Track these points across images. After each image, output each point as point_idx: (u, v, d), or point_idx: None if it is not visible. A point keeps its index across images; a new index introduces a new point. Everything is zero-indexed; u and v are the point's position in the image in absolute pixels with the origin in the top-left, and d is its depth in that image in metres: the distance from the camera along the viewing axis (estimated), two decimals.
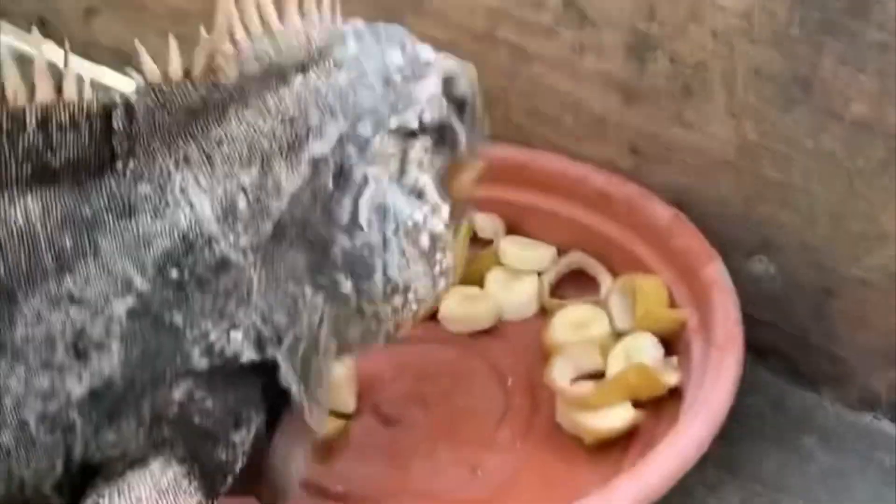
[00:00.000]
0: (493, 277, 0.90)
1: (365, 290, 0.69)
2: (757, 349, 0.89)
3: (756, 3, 0.80)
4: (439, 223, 0.71)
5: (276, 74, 0.67)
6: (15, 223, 0.62)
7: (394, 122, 0.70)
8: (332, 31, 0.69)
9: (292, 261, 0.67)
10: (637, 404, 0.79)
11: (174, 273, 0.64)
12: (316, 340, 0.68)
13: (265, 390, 0.66)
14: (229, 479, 0.66)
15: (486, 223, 0.93)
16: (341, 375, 0.82)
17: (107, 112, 0.64)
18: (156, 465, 0.64)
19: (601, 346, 0.82)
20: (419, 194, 0.70)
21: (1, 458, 0.62)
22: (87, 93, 0.64)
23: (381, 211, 0.69)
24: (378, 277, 0.69)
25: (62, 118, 0.63)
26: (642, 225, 0.87)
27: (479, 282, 0.90)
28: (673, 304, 0.83)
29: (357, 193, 0.68)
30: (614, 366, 0.81)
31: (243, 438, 0.66)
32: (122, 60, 1.18)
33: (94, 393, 0.62)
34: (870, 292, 0.83)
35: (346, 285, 0.68)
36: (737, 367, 0.76)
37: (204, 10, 1.07)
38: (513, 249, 0.91)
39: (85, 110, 0.63)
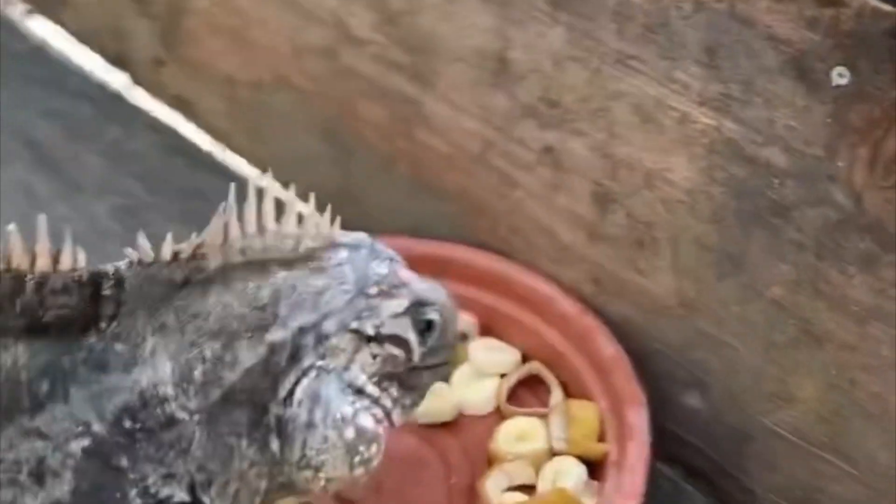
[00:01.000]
0: (460, 374, 1.02)
1: (285, 456, 0.80)
2: (686, 467, 1.02)
3: (698, 186, 0.90)
4: (368, 419, 0.80)
5: (259, 267, 0.79)
6: (4, 365, 0.75)
7: (353, 325, 0.80)
8: (326, 238, 0.81)
9: (235, 418, 0.78)
10: None
11: (127, 423, 0.76)
12: (246, 481, 0.79)
13: None
14: None
15: (463, 321, 1.05)
16: None
17: (97, 280, 0.77)
18: None
19: (535, 461, 0.94)
20: (357, 391, 0.80)
21: None
22: (82, 261, 0.77)
23: (314, 398, 0.79)
24: (296, 450, 0.79)
25: (56, 284, 0.76)
26: (591, 354, 0.98)
27: (446, 377, 1.02)
28: (603, 434, 0.95)
29: (300, 375, 0.79)
30: (542, 484, 0.93)
31: None
32: (184, 107, 1.33)
33: None
34: (779, 442, 0.94)
35: (275, 444, 0.79)
36: None
37: (251, 80, 1.21)
38: (481, 351, 1.03)
39: (76, 278, 0.77)
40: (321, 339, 0.79)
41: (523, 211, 1.03)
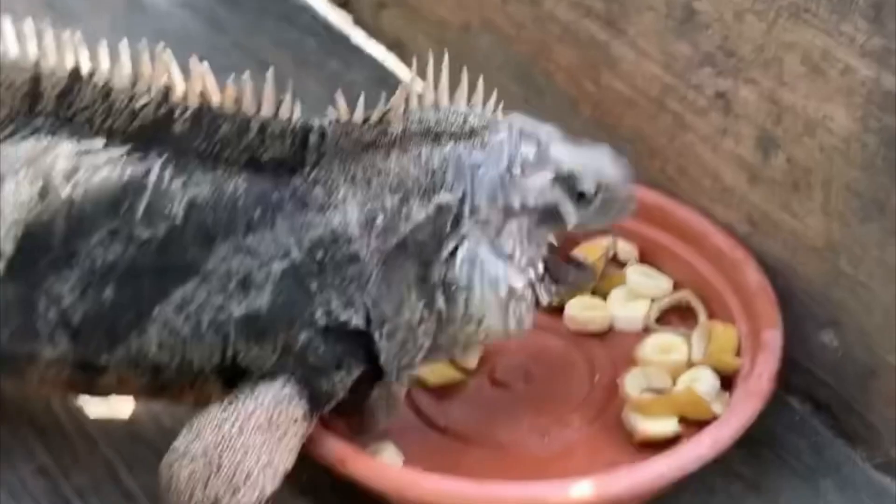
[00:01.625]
0: (616, 294, 1.13)
1: (451, 315, 0.92)
2: (815, 402, 1.10)
3: (853, 134, 0.98)
4: (518, 281, 0.92)
5: (432, 137, 0.92)
6: (229, 191, 0.91)
7: (500, 201, 0.92)
8: (490, 119, 0.93)
9: (406, 268, 0.91)
10: (685, 422, 1.01)
11: (319, 254, 0.91)
12: (413, 334, 0.92)
13: (370, 355, 0.92)
14: (331, 404, 0.92)
15: (625, 249, 1.16)
16: None
17: (306, 131, 0.91)
18: (279, 382, 0.90)
19: (674, 370, 1.05)
20: (508, 257, 0.92)
21: (179, 342, 0.90)
22: (297, 113, 0.92)
23: (472, 261, 0.92)
24: (460, 307, 0.92)
25: (275, 129, 0.91)
26: (738, 283, 1.08)
27: (604, 295, 1.13)
28: (739, 351, 1.05)
29: (459, 241, 0.92)
30: (678, 388, 1.03)
31: (343, 378, 0.91)
32: (398, 48, 1.48)
33: (247, 317, 0.90)
34: None
35: (440, 301, 0.92)
36: (752, 411, 0.98)
37: (461, 23, 1.34)
38: (637, 276, 1.14)
39: (291, 127, 0.91)
40: (474, 209, 0.92)
41: (692, 153, 1.13)
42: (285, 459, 0.90)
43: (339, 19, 1.56)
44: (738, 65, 1.06)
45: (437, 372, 1.06)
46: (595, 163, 0.96)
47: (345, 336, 0.91)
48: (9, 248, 0.91)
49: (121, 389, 0.95)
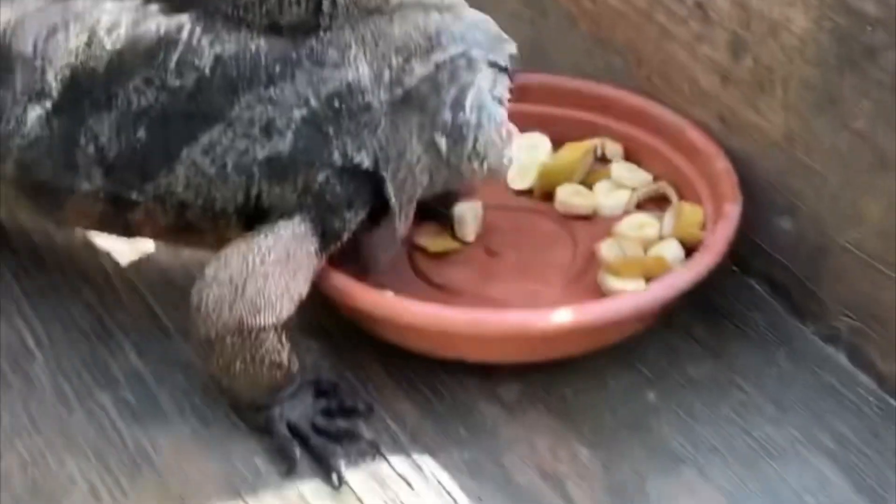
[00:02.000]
0: (601, 185, 1.27)
1: (455, 151, 1.07)
2: (772, 282, 1.23)
3: (809, 33, 1.11)
4: (511, 125, 1.09)
5: (423, 8, 1.07)
6: (251, 49, 1.04)
7: (492, 57, 1.08)
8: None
9: (410, 118, 1.06)
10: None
11: (336, 103, 1.04)
12: (412, 173, 1.06)
13: (375, 195, 1.06)
14: (338, 244, 1.06)
15: (612, 148, 1.29)
16: (472, 220, 1.22)
17: (318, 1, 1.05)
18: (296, 219, 1.03)
19: (646, 243, 1.19)
20: (501, 102, 1.08)
21: (205, 182, 1.04)
22: None
23: (480, 107, 1.07)
24: (468, 145, 1.07)
25: None
26: (707, 170, 1.21)
27: (590, 186, 1.27)
28: (704, 227, 1.18)
29: (463, 87, 1.07)
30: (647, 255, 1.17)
31: (352, 218, 1.05)
32: None
33: (270, 158, 1.04)
34: (848, 258, 1.14)
35: (441, 143, 1.06)
36: (709, 262, 1.13)
37: None
38: (621, 170, 1.27)
39: None
40: (471, 63, 1.07)
41: (674, 60, 1.26)
42: (300, 289, 1.03)
43: None
44: None
45: (437, 242, 1.20)
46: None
47: (356, 176, 1.05)
48: (57, 89, 1.05)
49: (148, 228, 1.08)
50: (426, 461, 1.05)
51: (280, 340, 1.03)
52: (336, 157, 1.04)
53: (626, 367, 1.15)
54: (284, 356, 1.03)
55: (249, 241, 1.03)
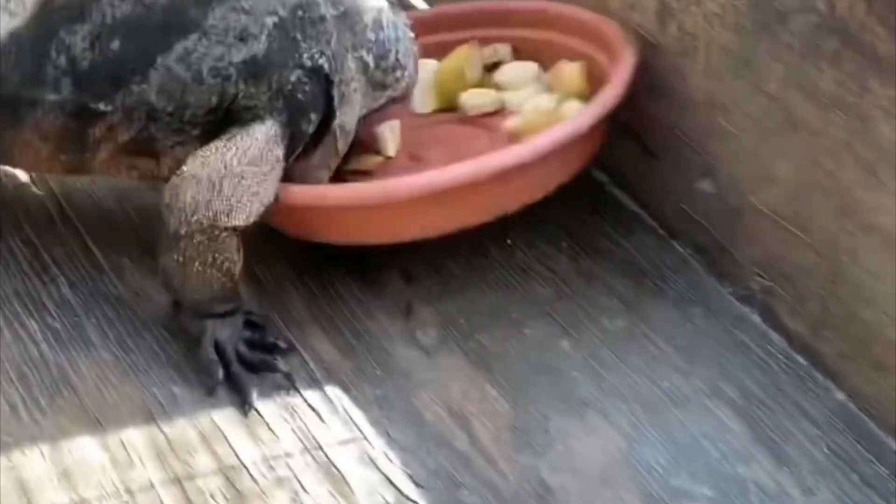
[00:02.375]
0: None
1: (381, 65, 1.16)
2: (695, 244, 1.27)
3: (728, 1, 1.15)
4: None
5: None
6: None
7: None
8: None
9: (345, 35, 1.14)
10: None
11: (299, 12, 1.12)
12: (349, 87, 1.15)
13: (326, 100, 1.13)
14: (297, 150, 1.12)
15: (501, 49, 1.36)
16: (392, 136, 1.27)
17: None
18: (269, 122, 1.10)
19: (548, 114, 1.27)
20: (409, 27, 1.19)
21: (179, 87, 1.10)
22: None
23: (396, 25, 1.17)
24: (391, 58, 1.17)
25: None
26: (599, 41, 1.30)
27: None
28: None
29: (378, 14, 1.17)
30: None
31: (313, 122, 1.13)
32: None
33: (246, 60, 1.10)
34: (761, 219, 1.18)
35: (369, 59, 1.16)
36: (612, 97, 1.20)
37: None
38: (511, 69, 1.35)
39: None
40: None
41: None
42: (268, 193, 1.09)
43: None
44: None
45: (363, 160, 1.26)
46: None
47: (319, 80, 1.13)
48: (29, 4, 1.10)
49: (108, 145, 1.12)
50: (339, 396, 1.10)
51: (238, 249, 1.08)
52: (305, 58, 1.12)
53: (543, 319, 1.19)
54: (237, 267, 1.09)
55: (227, 142, 1.09)
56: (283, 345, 1.12)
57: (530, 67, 1.34)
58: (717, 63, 1.19)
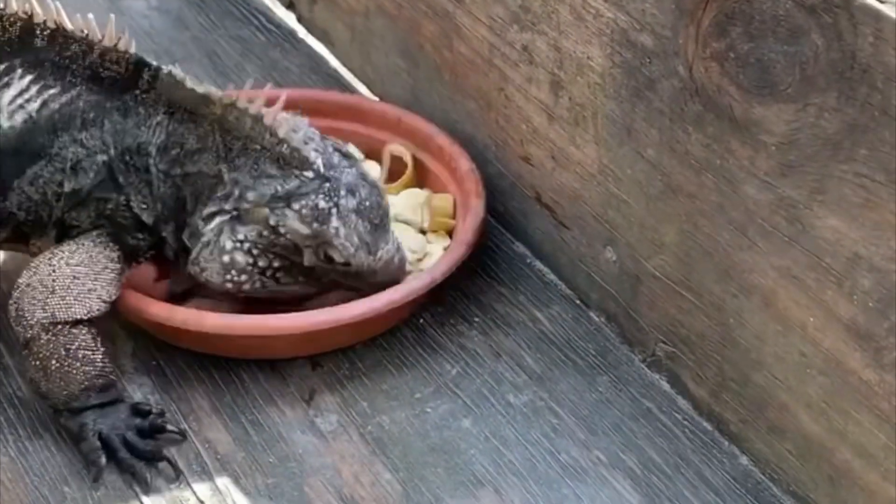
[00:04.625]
0: None
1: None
2: (606, 312, 1.26)
3: (606, 69, 1.15)
4: (242, 259, 1.16)
5: (246, 137, 1.16)
6: (72, 94, 1.16)
7: (264, 209, 1.15)
8: (303, 157, 1.16)
9: (184, 196, 1.17)
10: None
11: (126, 157, 1.16)
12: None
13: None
14: (139, 257, 1.18)
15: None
16: None
17: (140, 65, 1.17)
18: (95, 233, 1.16)
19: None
20: (242, 243, 1.16)
21: (33, 208, 1.16)
22: (132, 49, 1.15)
23: (219, 230, 1.16)
24: (195, 251, 1.17)
25: (113, 57, 1.17)
26: (453, 170, 1.34)
27: None
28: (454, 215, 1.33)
29: (219, 209, 1.16)
30: None
31: (145, 239, 1.17)
32: (327, 38, 1.69)
33: (73, 191, 1.16)
34: (656, 283, 1.17)
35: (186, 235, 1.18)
36: (461, 254, 1.24)
37: (363, 8, 1.54)
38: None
39: (126, 57, 1.17)
40: (242, 198, 1.15)
41: (512, 102, 1.31)
42: (108, 289, 1.14)
43: (287, 18, 1.78)
44: (532, 20, 1.24)
45: None
46: (364, 253, 1.16)
47: (139, 219, 1.17)
48: None
49: None
50: (229, 487, 1.10)
51: (94, 339, 1.13)
52: (122, 200, 1.17)
53: (447, 397, 1.19)
54: (98, 355, 1.13)
55: (54, 250, 1.16)
56: (173, 430, 1.13)
57: (419, 197, 1.35)
58: (603, 132, 1.19)
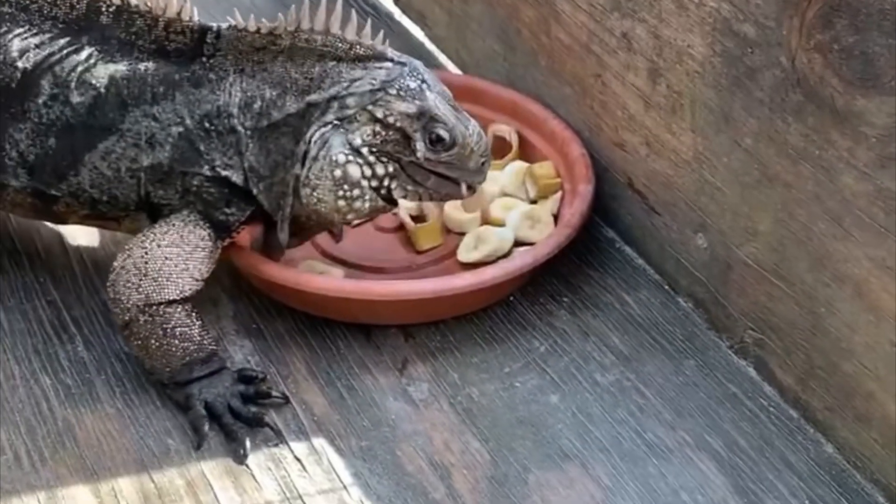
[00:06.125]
0: None
1: (301, 180, 1.17)
2: (694, 298, 1.28)
3: (706, 58, 1.17)
4: (355, 169, 1.16)
5: (317, 54, 1.17)
6: (139, 69, 1.19)
7: (368, 106, 1.16)
8: (376, 49, 1.17)
9: (280, 143, 1.18)
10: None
11: (206, 123, 1.18)
12: (286, 189, 1.18)
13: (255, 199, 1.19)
14: (231, 232, 1.20)
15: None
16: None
17: (204, 30, 1.19)
18: (185, 212, 1.18)
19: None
20: (355, 150, 1.16)
21: (105, 182, 1.19)
22: (196, 17, 1.20)
23: (322, 142, 1.16)
24: (304, 172, 1.16)
25: (177, 27, 1.20)
26: (565, 155, 1.38)
27: None
28: (558, 175, 1.38)
29: (320, 126, 1.16)
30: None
31: (234, 214, 1.19)
32: (423, 20, 1.72)
33: (153, 166, 1.18)
34: (747, 270, 1.19)
35: (297, 168, 1.17)
36: (566, 236, 1.27)
37: None
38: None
39: (190, 26, 1.20)
40: (343, 107, 1.16)
41: (608, 89, 1.33)
42: (199, 267, 1.17)
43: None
44: (634, 7, 1.26)
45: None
46: (462, 126, 1.19)
47: (229, 185, 1.19)
48: None
49: (72, 216, 1.23)
50: (324, 447, 1.14)
51: (189, 316, 1.16)
52: (206, 169, 1.19)
53: (535, 373, 1.22)
54: (195, 330, 1.16)
55: (146, 232, 1.18)
56: (276, 396, 1.17)
57: (521, 170, 1.39)
58: (700, 119, 1.21)
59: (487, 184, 1.35)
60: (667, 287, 1.31)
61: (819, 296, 1.11)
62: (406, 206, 1.35)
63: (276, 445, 1.14)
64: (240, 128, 1.18)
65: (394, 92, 1.17)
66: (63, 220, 1.26)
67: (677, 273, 1.29)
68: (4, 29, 1.21)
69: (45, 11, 1.21)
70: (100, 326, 1.25)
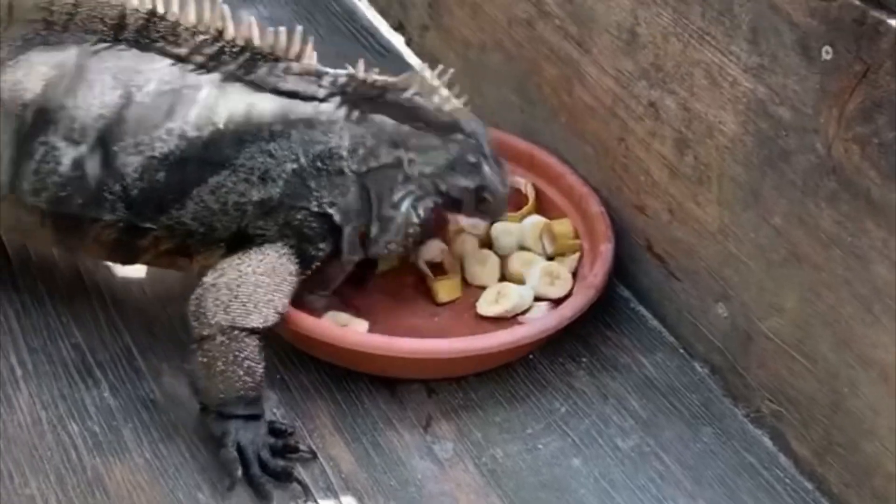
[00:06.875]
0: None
1: (381, 231, 1.26)
2: (711, 365, 1.31)
3: (737, 135, 1.20)
4: (416, 231, 1.26)
5: (413, 114, 1.26)
6: (257, 109, 1.24)
7: (435, 179, 1.27)
8: (455, 116, 1.28)
9: (367, 192, 1.24)
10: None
11: (318, 163, 1.23)
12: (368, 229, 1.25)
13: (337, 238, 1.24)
14: (311, 269, 1.23)
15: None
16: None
17: (320, 74, 1.26)
18: (280, 243, 1.21)
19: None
20: (418, 216, 1.26)
21: (209, 215, 1.21)
22: (314, 61, 1.27)
23: (411, 205, 1.25)
24: (390, 230, 1.25)
25: (296, 70, 1.27)
26: (583, 212, 1.41)
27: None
28: (577, 235, 1.41)
29: (405, 190, 1.26)
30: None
31: (323, 249, 1.23)
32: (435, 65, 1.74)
33: (262, 200, 1.21)
34: (769, 344, 1.22)
35: (373, 227, 1.25)
36: (589, 297, 1.31)
37: (479, 42, 1.59)
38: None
39: (307, 70, 1.27)
40: (420, 173, 1.25)
41: (632, 153, 1.36)
42: (283, 301, 1.20)
43: (396, 40, 1.83)
44: (664, 78, 1.29)
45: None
46: (502, 186, 1.31)
47: (329, 222, 1.23)
48: (92, 136, 1.21)
49: (149, 253, 1.25)
50: None
51: (260, 351, 1.18)
52: (314, 205, 1.23)
53: (557, 434, 1.24)
54: (260, 368, 1.18)
55: (242, 256, 1.21)
56: (304, 450, 1.19)
57: (538, 225, 1.42)
58: (728, 193, 1.24)
59: (504, 236, 1.39)
60: (682, 351, 1.34)
61: (842, 375, 1.15)
62: (425, 258, 1.37)
63: (305, 503, 1.15)
64: (347, 170, 1.23)
65: (459, 170, 1.26)
66: (134, 259, 1.27)
67: (694, 338, 1.32)
68: (126, 63, 1.23)
69: (168, 50, 1.24)
70: (124, 372, 1.26)
